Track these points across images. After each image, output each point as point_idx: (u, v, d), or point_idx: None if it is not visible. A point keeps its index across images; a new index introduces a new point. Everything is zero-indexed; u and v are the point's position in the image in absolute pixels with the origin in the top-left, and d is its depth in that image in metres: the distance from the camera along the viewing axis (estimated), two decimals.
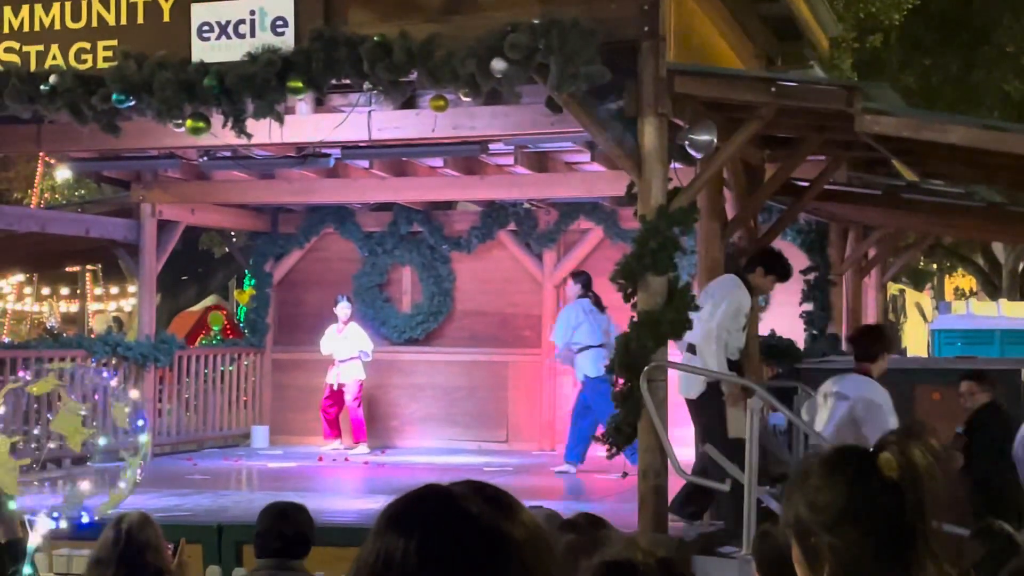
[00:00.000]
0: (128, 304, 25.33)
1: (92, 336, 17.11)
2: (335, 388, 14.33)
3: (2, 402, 6.39)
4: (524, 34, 7.81)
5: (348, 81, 8.58)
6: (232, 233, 16.64)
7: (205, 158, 12.58)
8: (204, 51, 8.69)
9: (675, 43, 8.38)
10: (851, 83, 10.55)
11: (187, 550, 5.17)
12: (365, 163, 13.33)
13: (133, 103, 8.62)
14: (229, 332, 16.32)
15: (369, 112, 9.84)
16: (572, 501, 10.15)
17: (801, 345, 12.33)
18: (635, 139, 8.28)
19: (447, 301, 15.18)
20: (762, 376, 10.46)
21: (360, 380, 14.31)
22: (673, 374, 8.45)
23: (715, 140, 8.34)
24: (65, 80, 8.79)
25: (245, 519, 7.89)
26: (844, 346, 13.44)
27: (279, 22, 8.62)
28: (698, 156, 8.53)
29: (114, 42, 8.99)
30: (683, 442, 8.99)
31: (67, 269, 25.04)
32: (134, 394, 6.74)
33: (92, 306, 27.74)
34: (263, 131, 9.06)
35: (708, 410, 8.51)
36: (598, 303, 12.69)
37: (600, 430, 8.91)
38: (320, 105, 10.69)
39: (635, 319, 8.25)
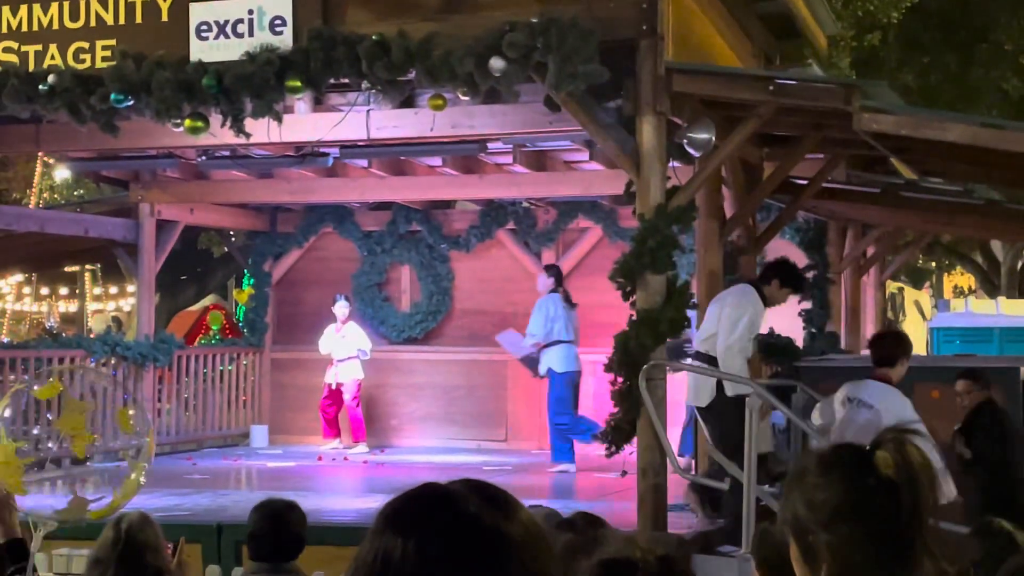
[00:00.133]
0: (127, 304, 25.33)
1: (91, 336, 17.12)
2: (333, 387, 14.33)
3: (8, 404, 6.38)
4: (522, 33, 7.82)
5: (346, 80, 8.58)
6: (231, 233, 16.64)
7: (204, 158, 12.58)
8: (202, 51, 8.69)
9: (673, 42, 8.39)
10: (849, 81, 10.57)
11: (186, 550, 5.15)
12: (364, 162, 13.33)
13: (131, 103, 8.63)
14: (228, 332, 16.32)
15: (368, 111, 9.84)
16: (571, 500, 10.15)
17: (800, 343, 12.32)
18: (633, 138, 8.28)
19: (446, 300, 15.18)
20: (760, 374, 10.46)
21: (359, 379, 14.31)
22: (676, 380, 8.45)
23: (713, 138, 8.34)
24: (64, 80, 8.80)
25: (244, 519, 7.86)
26: (843, 343, 13.46)
27: (277, 21, 8.63)
28: (696, 154, 8.53)
29: (112, 42, 9.00)
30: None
31: (66, 269, 25.03)
32: (137, 403, 6.74)
33: (91, 306, 27.74)
34: (262, 130, 9.06)
35: (720, 416, 8.38)
36: (568, 298, 12.72)
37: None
38: (318, 104, 10.69)
39: (634, 318, 8.26)
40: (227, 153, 12.35)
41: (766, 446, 8.03)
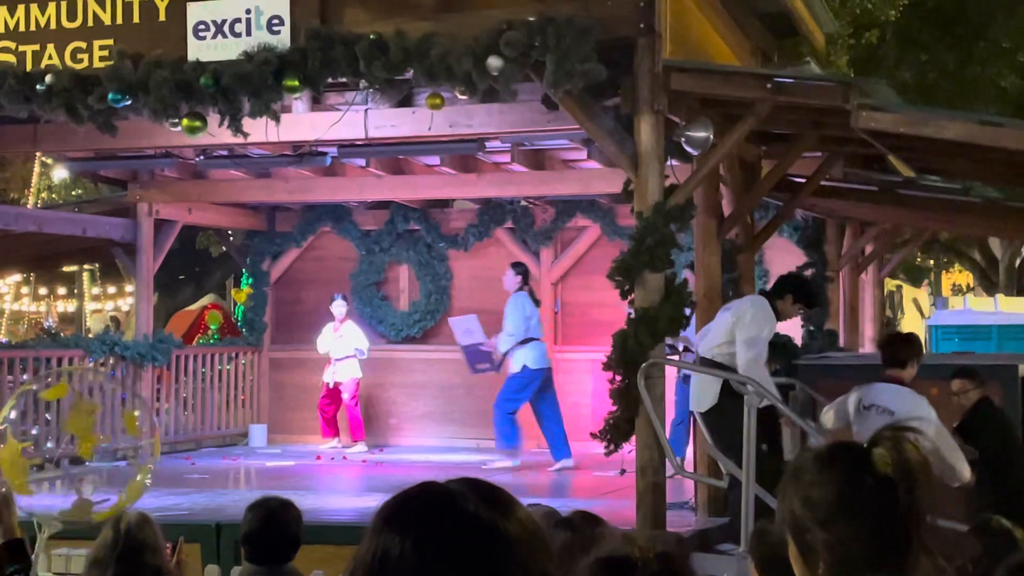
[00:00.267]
0: (125, 303, 25.33)
1: (89, 336, 17.11)
2: (331, 387, 14.34)
3: (14, 405, 6.38)
4: (520, 32, 7.82)
5: (344, 79, 8.58)
6: (229, 232, 16.64)
7: (202, 157, 12.57)
8: (200, 50, 8.69)
9: (671, 40, 8.39)
10: (847, 79, 10.56)
11: (185, 549, 5.15)
12: (362, 161, 13.33)
13: (129, 102, 8.63)
14: (226, 331, 16.32)
15: (365, 110, 9.84)
16: (569, 499, 10.15)
17: (798, 341, 12.33)
18: (631, 136, 8.28)
19: (444, 299, 15.18)
20: None
21: (357, 379, 14.32)
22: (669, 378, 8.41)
23: (711, 137, 8.34)
24: (61, 80, 8.80)
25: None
26: (842, 341, 13.46)
27: (275, 21, 8.63)
28: (694, 153, 8.53)
29: (110, 41, 8.99)
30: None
31: (64, 269, 25.04)
32: (144, 401, 6.73)
33: (89, 306, 27.75)
34: (259, 130, 9.06)
35: (722, 420, 8.32)
36: (533, 295, 12.73)
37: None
38: (316, 104, 10.69)
39: (632, 316, 8.26)
40: (225, 153, 12.35)
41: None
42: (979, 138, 7.75)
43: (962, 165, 10.04)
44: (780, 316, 8.62)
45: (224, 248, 18.14)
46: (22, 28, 9.27)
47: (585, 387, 14.16)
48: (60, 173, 22.30)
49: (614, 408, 8.31)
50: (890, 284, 22.42)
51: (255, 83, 8.32)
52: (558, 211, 14.69)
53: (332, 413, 14.45)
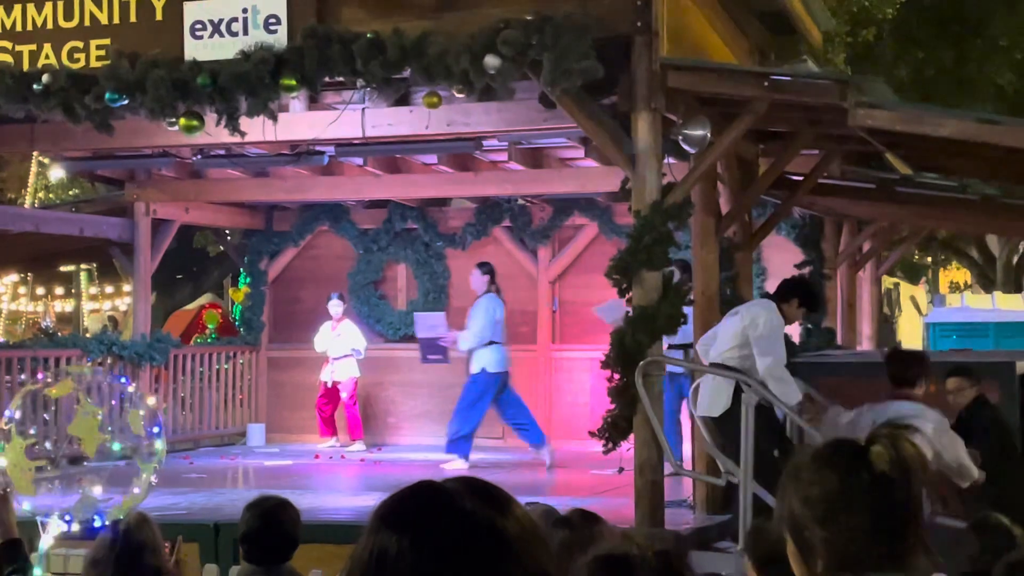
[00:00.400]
0: (123, 303, 25.33)
1: (87, 335, 17.10)
2: (329, 386, 14.34)
3: (19, 405, 6.37)
4: (517, 30, 7.82)
5: (341, 78, 8.58)
6: (227, 231, 16.64)
7: (199, 156, 12.57)
8: (197, 49, 8.69)
9: (668, 38, 8.39)
10: (844, 77, 10.57)
11: (184, 549, 5.15)
12: (359, 160, 13.33)
13: (126, 102, 8.62)
14: (224, 330, 16.32)
15: (363, 109, 9.84)
16: (568, 497, 10.15)
17: (796, 339, 12.34)
18: (629, 135, 8.28)
19: (442, 298, 15.17)
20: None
21: (355, 378, 14.32)
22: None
23: (709, 135, 8.34)
24: (58, 79, 8.79)
25: None
26: (840, 339, 13.47)
27: (272, 20, 8.62)
28: (692, 151, 8.53)
29: (107, 41, 8.99)
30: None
31: (62, 269, 25.03)
32: (151, 401, 6.71)
33: (87, 305, 27.74)
34: (257, 129, 9.06)
35: (735, 425, 8.25)
36: (500, 295, 12.67)
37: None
38: (314, 103, 10.68)
39: (630, 314, 8.26)
40: (222, 152, 12.34)
41: None
42: (976, 136, 7.75)
43: (959, 163, 10.05)
44: (786, 320, 8.65)
45: (222, 247, 18.14)
46: (19, 28, 9.26)
47: (583, 385, 14.17)
48: (57, 173, 22.26)
49: (612, 406, 8.31)
50: (888, 282, 22.42)
51: (252, 82, 8.32)
52: (556, 210, 14.69)
53: (330, 412, 14.45)
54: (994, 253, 27.72)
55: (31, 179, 25.20)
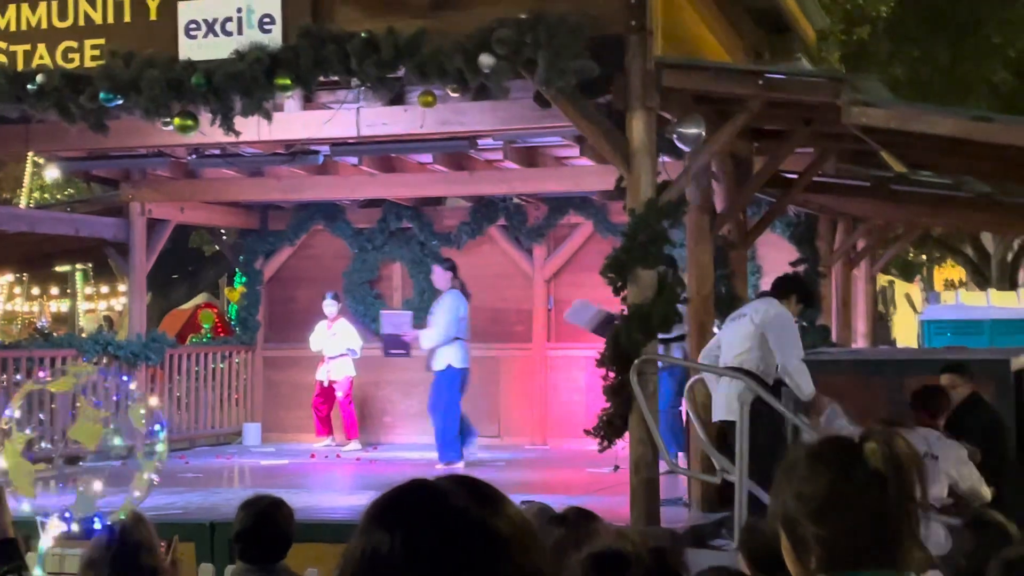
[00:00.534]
0: (118, 303, 25.29)
1: (83, 335, 17.09)
2: (325, 385, 14.34)
3: (20, 405, 6.37)
4: (511, 29, 7.82)
5: (336, 78, 8.58)
6: (222, 231, 16.62)
7: (194, 156, 12.56)
8: (191, 49, 8.69)
9: (662, 37, 8.40)
10: (838, 75, 10.58)
11: (180, 548, 5.14)
12: (354, 160, 13.32)
13: (121, 102, 8.62)
14: (220, 330, 16.31)
15: (358, 108, 9.84)
16: (564, 495, 10.16)
17: None
18: (624, 133, 8.29)
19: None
20: None
21: (351, 377, 14.32)
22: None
23: (703, 133, 8.35)
24: (53, 79, 8.79)
25: None
26: (834, 337, 13.48)
27: (266, 19, 8.62)
28: (687, 149, 8.54)
29: (101, 41, 8.99)
30: None
31: (57, 269, 24.99)
32: (153, 401, 6.71)
33: (82, 305, 27.69)
34: (251, 129, 9.05)
35: (755, 427, 8.22)
36: (465, 290, 12.66)
37: None
38: (308, 102, 10.67)
39: (625, 312, 8.27)
40: (217, 152, 12.33)
41: None
42: (970, 134, 7.76)
43: (954, 161, 10.06)
44: None
45: (217, 247, 18.13)
46: (13, 28, 9.26)
47: (578, 384, 14.18)
48: (52, 173, 22.24)
49: (607, 405, 8.32)
50: (882, 279, 22.42)
51: (247, 82, 8.32)
52: (551, 208, 14.69)
53: (327, 412, 14.45)
54: (989, 250, 27.77)
55: (26, 179, 25.16)
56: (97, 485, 5.93)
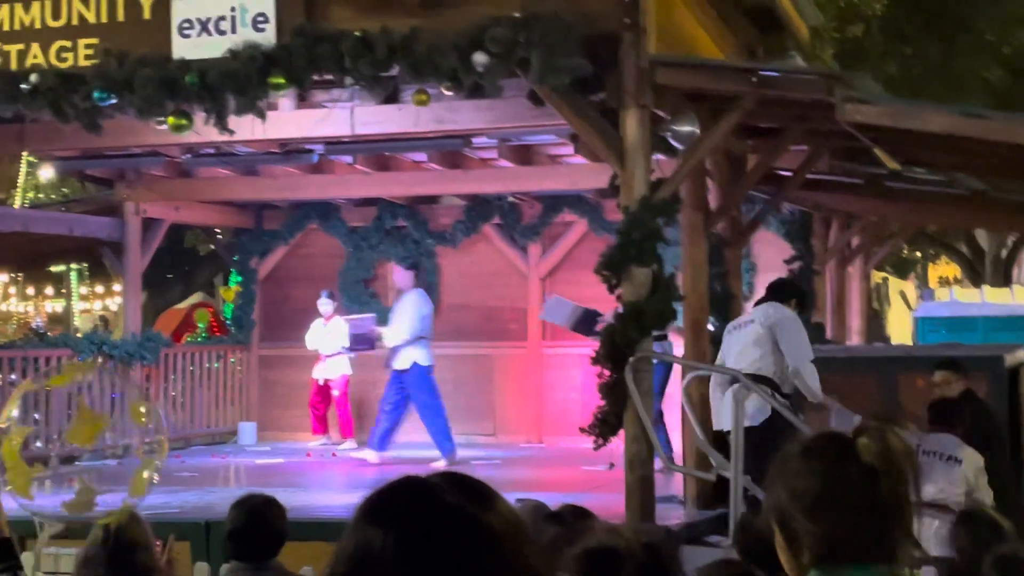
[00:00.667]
0: (114, 303, 25.26)
1: (78, 335, 17.08)
2: (321, 384, 14.34)
3: (19, 404, 6.35)
4: (505, 28, 7.82)
5: (330, 77, 8.58)
6: (217, 230, 16.61)
7: (188, 155, 12.56)
8: (185, 48, 8.68)
9: (656, 35, 8.40)
10: (832, 72, 10.58)
11: (176, 547, 5.14)
12: (348, 158, 13.33)
13: (115, 101, 8.61)
14: (215, 329, 16.30)
15: (352, 107, 9.84)
16: (558, 493, 10.16)
17: None
18: (617, 131, 8.29)
19: (432, 295, 15.17)
20: None
21: (347, 375, 14.32)
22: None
23: (697, 131, 8.36)
24: (46, 79, 8.78)
25: None
26: (829, 334, 13.50)
27: (260, 18, 8.61)
28: (680, 147, 8.54)
29: (95, 40, 8.98)
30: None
31: (52, 268, 24.95)
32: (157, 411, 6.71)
33: (78, 305, 27.66)
34: (246, 128, 9.04)
35: (773, 434, 8.05)
36: (427, 289, 12.72)
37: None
38: (302, 101, 10.67)
39: (619, 311, 8.27)
40: (212, 151, 12.33)
41: None
42: (964, 130, 7.77)
43: (947, 158, 10.07)
44: None
45: (212, 246, 18.12)
46: (6, 27, 9.24)
47: (573, 382, 14.18)
48: (47, 172, 22.25)
49: (602, 402, 8.32)
50: (877, 277, 22.46)
51: (240, 81, 8.32)
52: (545, 207, 14.70)
53: (323, 410, 14.46)
54: (983, 248, 27.79)
55: (20, 179, 25.13)
56: (94, 484, 5.92)
